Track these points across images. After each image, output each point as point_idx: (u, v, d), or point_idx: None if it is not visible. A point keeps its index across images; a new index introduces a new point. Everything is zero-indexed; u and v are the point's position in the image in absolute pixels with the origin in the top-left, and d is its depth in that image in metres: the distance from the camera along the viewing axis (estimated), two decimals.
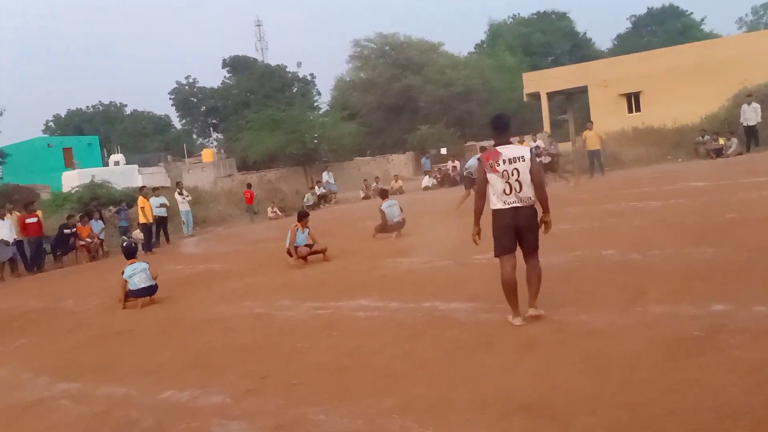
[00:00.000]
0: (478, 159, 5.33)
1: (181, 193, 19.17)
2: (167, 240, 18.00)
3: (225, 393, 4.59)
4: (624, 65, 32.65)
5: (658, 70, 30.54)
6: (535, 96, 35.03)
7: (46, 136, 54.16)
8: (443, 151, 32.72)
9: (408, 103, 41.74)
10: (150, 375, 5.37)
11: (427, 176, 28.00)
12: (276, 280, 9.37)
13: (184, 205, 19.18)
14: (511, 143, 5.25)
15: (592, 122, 21.03)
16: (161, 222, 17.63)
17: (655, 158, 22.98)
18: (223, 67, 58.79)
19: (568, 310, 5.42)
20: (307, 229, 10.51)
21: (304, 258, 10.30)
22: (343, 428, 3.70)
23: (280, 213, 23.24)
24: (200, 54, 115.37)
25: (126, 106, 67.74)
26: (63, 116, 64.69)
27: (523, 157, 5.05)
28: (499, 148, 5.14)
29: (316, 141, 33.53)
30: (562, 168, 21.72)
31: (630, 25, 61.96)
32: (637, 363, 4.07)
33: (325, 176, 28.33)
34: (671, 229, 8.70)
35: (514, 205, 5.04)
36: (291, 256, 10.31)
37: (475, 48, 57.49)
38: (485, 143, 29.68)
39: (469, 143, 34.07)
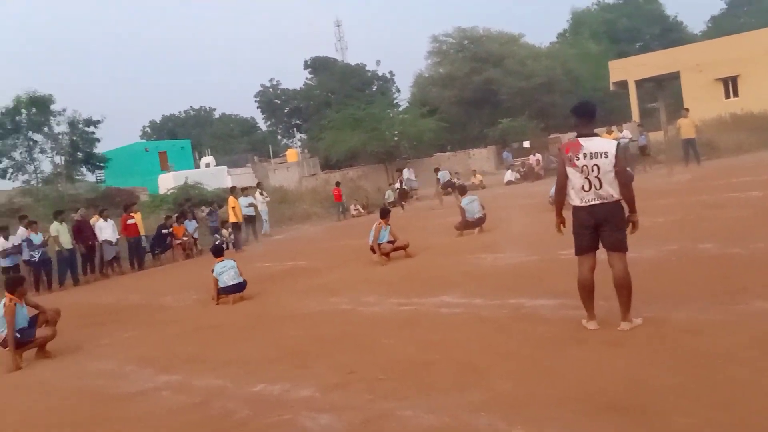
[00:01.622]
0: (558, 149, 5.15)
1: (262, 194, 19.84)
2: (255, 238, 18.65)
3: (313, 387, 4.71)
4: (719, 48, 30.70)
5: (757, 52, 28.50)
6: (623, 84, 33.66)
7: (143, 141, 57.36)
8: (526, 144, 32.06)
9: (488, 96, 41.18)
10: (243, 368, 5.58)
11: (510, 170, 27.48)
12: (360, 277, 9.52)
13: (263, 206, 19.84)
14: (596, 135, 4.93)
15: (687, 109, 19.98)
16: (249, 221, 18.32)
17: (756, 146, 21.56)
18: (305, 69, 60.27)
19: (662, 305, 5.20)
20: (389, 226, 10.59)
21: (387, 254, 10.39)
22: (429, 424, 3.70)
23: (362, 210, 23.54)
24: (283, 56, 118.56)
25: (215, 109, 70.97)
26: (158, 122, 68.34)
27: (606, 152, 4.71)
28: (581, 140, 4.84)
29: (396, 138, 33.67)
30: (652, 158, 20.87)
31: (725, 6, 58.55)
32: (735, 361, 3.86)
33: (406, 173, 28.28)
34: None
35: (592, 202, 4.79)
36: (374, 252, 10.44)
37: (557, 38, 55.99)
38: (569, 135, 28.88)
39: (552, 135, 33.23)
